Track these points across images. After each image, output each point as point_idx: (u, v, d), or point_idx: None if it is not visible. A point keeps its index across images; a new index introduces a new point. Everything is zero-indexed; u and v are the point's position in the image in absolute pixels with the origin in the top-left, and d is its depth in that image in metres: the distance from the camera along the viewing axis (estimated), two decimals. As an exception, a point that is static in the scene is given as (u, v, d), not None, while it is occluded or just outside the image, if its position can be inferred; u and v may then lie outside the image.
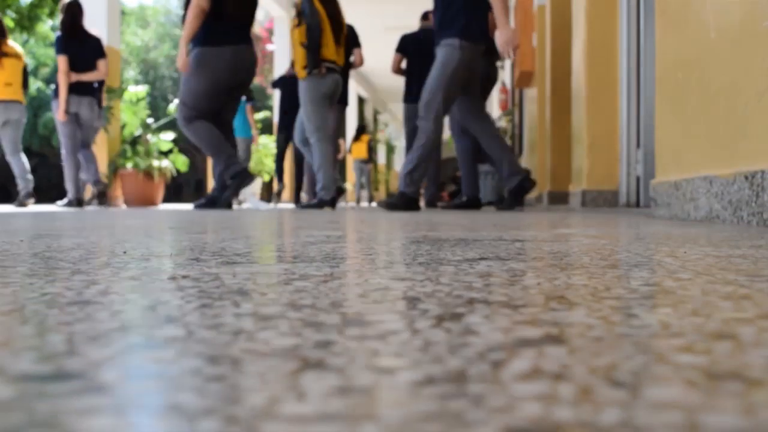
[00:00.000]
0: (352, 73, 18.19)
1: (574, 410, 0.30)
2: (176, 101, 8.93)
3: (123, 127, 8.34)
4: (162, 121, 8.92)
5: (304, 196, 8.12)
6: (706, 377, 0.35)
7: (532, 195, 8.56)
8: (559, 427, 0.27)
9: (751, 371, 0.36)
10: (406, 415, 0.29)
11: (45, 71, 22.69)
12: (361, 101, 20.91)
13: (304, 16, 5.71)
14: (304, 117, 5.96)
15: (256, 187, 10.42)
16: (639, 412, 0.29)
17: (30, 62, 24.25)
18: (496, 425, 0.28)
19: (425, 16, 7.58)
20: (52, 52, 21.67)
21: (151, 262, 0.97)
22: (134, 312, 0.55)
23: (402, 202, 4.79)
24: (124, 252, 1.15)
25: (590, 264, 0.94)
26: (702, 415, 0.29)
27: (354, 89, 19.11)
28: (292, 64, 7.15)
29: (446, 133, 12.46)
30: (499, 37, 4.60)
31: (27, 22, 10.12)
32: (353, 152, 16.18)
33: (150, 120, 8.54)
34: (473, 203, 5.71)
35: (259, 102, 21.60)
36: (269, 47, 15.23)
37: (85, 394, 0.32)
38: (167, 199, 13.81)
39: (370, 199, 16.90)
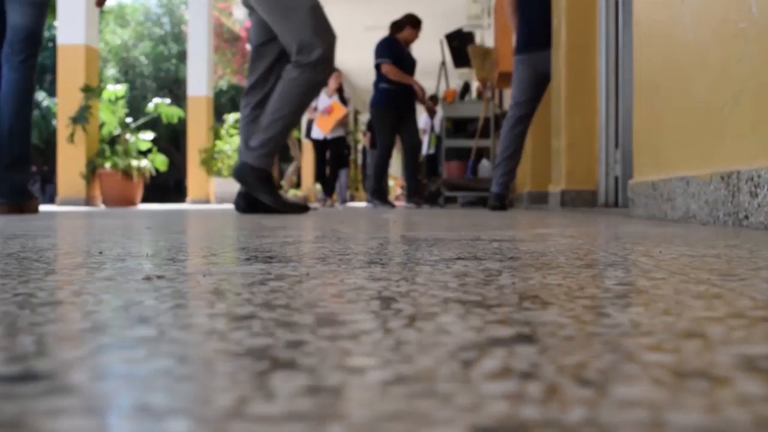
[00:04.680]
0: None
1: (541, 409, 0.30)
2: (156, 100, 8.85)
3: (101, 126, 8.25)
4: (141, 121, 8.82)
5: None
6: (673, 375, 0.35)
7: (512, 195, 8.59)
8: (525, 425, 0.28)
9: (717, 369, 0.37)
10: (374, 415, 0.29)
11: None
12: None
13: None
14: None
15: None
16: (605, 411, 0.30)
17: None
18: (463, 424, 0.28)
19: None
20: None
21: (126, 263, 0.97)
22: (107, 312, 0.55)
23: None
24: (100, 252, 1.15)
25: (566, 264, 0.94)
26: (667, 413, 0.29)
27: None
28: None
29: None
30: None
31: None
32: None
33: (129, 119, 8.46)
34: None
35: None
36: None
37: (53, 394, 0.32)
38: (148, 199, 13.70)
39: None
